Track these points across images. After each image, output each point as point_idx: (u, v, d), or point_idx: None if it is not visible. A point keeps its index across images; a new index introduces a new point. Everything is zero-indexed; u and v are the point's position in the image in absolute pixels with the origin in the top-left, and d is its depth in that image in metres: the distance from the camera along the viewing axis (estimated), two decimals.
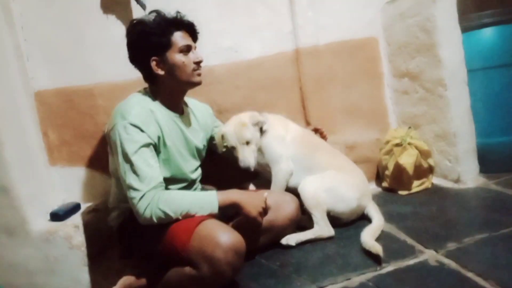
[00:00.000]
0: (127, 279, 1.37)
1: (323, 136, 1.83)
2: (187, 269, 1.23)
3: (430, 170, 1.98)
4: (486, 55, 1.90)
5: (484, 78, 1.90)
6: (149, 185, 1.26)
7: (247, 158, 1.58)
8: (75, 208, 1.57)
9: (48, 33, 1.76)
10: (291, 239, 1.53)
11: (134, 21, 1.43)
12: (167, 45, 1.39)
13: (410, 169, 1.90)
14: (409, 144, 1.94)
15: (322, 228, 1.56)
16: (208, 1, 1.95)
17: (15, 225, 1.43)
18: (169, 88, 1.44)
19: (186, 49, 1.42)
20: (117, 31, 1.82)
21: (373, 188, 2.10)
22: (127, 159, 1.26)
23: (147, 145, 1.30)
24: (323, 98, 2.11)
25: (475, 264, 1.22)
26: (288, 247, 1.52)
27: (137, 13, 1.81)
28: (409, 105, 2.14)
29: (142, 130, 1.30)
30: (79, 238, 1.42)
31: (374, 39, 2.23)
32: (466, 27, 1.88)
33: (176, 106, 1.49)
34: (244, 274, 1.32)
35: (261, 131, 1.67)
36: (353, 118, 2.19)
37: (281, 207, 1.53)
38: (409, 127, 2.03)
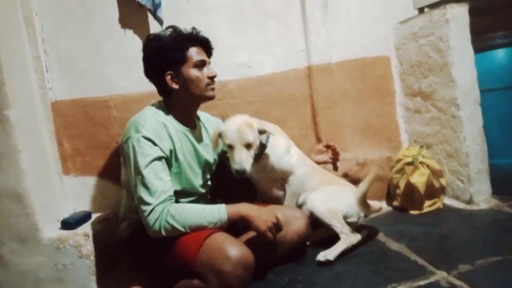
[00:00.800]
0: None
1: (335, 153, 1.82)
2: (196, 282, 1.24)
3: (442, 190, 1.95)
4: (499, 76, 1.89)
5: (497, 98, 1.89)
6: (159, 198, 1.27)
7: (244, 161, 1.45)
8: (86, 217, 1.59)
9: (67, 45, 1.81)
10: (329, 254, 1.49)
11: (151, 36, 1.47)
12: (182, 60, 1.42)
13: (421, 188, 1.88)
14: (421, 163, 1.93)
15: (349, 236, 1.55)
16: (222, 17, 2.00)
17: (27, 233, 1.45)
18: (183, 102, 1.47)
19: (201, 64, 1.45)
20: (133, 45, 1.87)
21: (384, 207, 2.08)
22: (139, 172, 1.28)
23: (159, 159, 1.32)
24: (335, 115, 2.12)
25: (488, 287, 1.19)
26: (325, 263, 1.47)
27: (154, 28, 1.85)
28: (421, 124, 2.13)
29: (155, 144, 1.32)
30: (89, 247, 1.43)
31: (386, 58, 2.24)
32: (479, 47, 1.88)
33: (189, 120, 1.51)
34: (251, 282, 1.30)
35: (261, 144, 1.57)
36: (364, 135, 2.19)
37: (291, 222, 1.52)
38: (421, 146, 2.02)
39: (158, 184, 1.28)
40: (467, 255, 1.41)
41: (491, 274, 1.27)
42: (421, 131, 2.14)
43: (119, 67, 1.86)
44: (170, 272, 1.32)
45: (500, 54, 1.90)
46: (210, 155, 1.59)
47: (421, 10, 2.09)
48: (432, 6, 1.98)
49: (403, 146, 2.23)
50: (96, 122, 1.83)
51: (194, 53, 1.44)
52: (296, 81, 2.10)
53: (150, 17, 1.85)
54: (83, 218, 1.57)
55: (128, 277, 1.53)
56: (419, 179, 1.89)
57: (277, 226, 1.37)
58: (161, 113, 1.43)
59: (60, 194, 1.68)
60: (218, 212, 1.32)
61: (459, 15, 1.83)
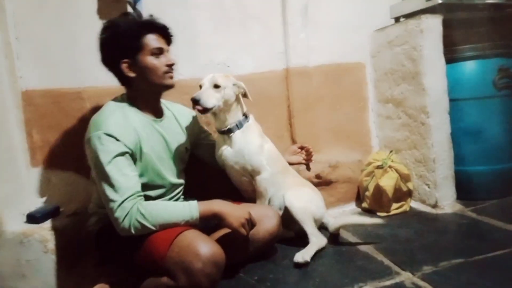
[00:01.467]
0: (101, 287, 1.34)
1: (309, 154, 1.86)
2: (164, 279, 1.22)
3: (409, 193, 2.03)
4: (468, 87, 1.98)
5: (465, 108, 1.98)
6: (125, 195, 1.24)
7: (205, 95, 1.48)
8: (54, 211, 1.54)
9: (41, 33, 1.75)
10: (306, 255, 1.50)
11: (106, 23, 1.43)
12: (138, 47, 1.38)
13: (390, 191, 1.94)
14: (390, 167, 1.99)
15: (319, 238, 1.59)
16: (204, 15, 1.99)
17: None
18: (143, 91, 1.44)
19: (158, 52, 1.41)
20: None
21: (353, 208, 2.14)
22: (102, 170, 1.25)
23: (122, 154, 1.29)
24: (310, 118, 2.15)
25: None
26: (303, 264, 1.48)
27: None
28: (392, 130, 2.20)
29: (117, 139, 1.28)
30: (55, 242, 1.39)
31: (361, 64, 2.30)
32: (450, 58, 1.96)
33: (153, 110, 1.49)
34: (221, 287, 1.31)
35: (237, 99, 1.63)
36: (337, 138, 2.24)
37: (262, 221, 1.53)
38: (391, 151, 2.09)
39: (122, 180, 1.25)
40: (431, 257, 1.46)
41: (454, 275, 1.32)
42: (391, 137, 2.21)
43: (95, 59, 1.79)
44: (138, 269, 1.30)
45: (469, 65, 1.98)
46: (181, 144, 1.58)
47: (397, 20, 2.16)
48: (408, 16, 2.05)
49: (374, 150, 2.30)
50: (68, 114, 1.77)
51: (151, 40, 1.40)
52: (274, 83, 2.12)
53: (130, 10, 1.82)
54: (50, 212, 1.52)
55: (96, 273, 1.49)
56: (387, 182, 1.95)
57: (250, 223, 1.38)
58: (123, 105, 1.41)
59: (27, 187, 1.62)
60: (190, 209, 1.30)
61: (433, 26, 1.90)
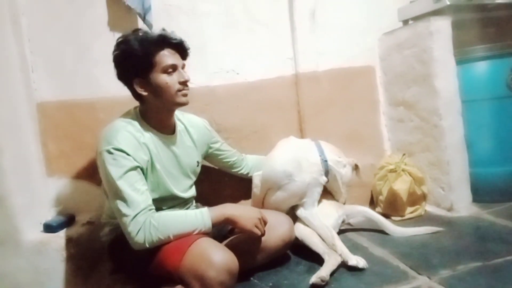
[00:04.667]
0: None
1: None
2: (179, 287, 1.22)
3: (424, 197, 2.00)
4: (480, 87, 1.95)
5: (478, 109, 1.95)
6: (137, 209, 1.24)
7: None
8: (69, 220, 1.56)
9: (54, 46, 1.79)
10: (322, 273, 1.39)
11: (120, 39, 1.40)
12: (150, 65, 1.35)
13: (404, 195, 1.92)
14: (403, 170, 1.97)
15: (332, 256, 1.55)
16: (212, 22, 2.01)
17: (6, 235, 1.41)
18: (155, 108, 1.42)
19: (171, 69, 1.38)
20: None
21: None
22: (114, 185, 1.25)
23: (133, 169, 1.29)
24: (321, 122, 2.15)
25: None
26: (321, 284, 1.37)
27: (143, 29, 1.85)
28: (404, 133, 2.18)
29: (127, 154, 1.28)
30: (71, 251, 1.40)
31: (371, 68, 2.29)
32: (461, 59, 1.94)
33: (165, 125, 1.48)
34: None
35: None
36: (349, 143, 2.22)
37: (275, 227, 1.52)
38: (404, 154, 2.07)
39: (134, 194, 1.25)
40: (448, 260, 1.44)
41: (472, 279, 1.29)
42: (404, 140, 2.19)
43: (107, 70, 1.81)
44: (152, 278, 1.31)
45: (481, 66, 1.96)
46: (192, 159, 1.58)
47: (405, 22, 2.16)
48: (416, 19, 2.04)
49: (386, 154, 2.28)
50: (82, 124, 1.80)
51: (164, 57, 1.36)
52: (283, 88, 2.13)
53: (140, 21, 1.85)
54: (66, 221, 1.54)
55: (111, 282, 1.50)
56: (401, 186, 1.93)
57: (262, 221, 1.38)
58: (134, 122, 1.38)
59: (43, 196, 1.65)
60: (202, 217, 1.30)
61: (442, 28, 1.89)
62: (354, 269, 1.42)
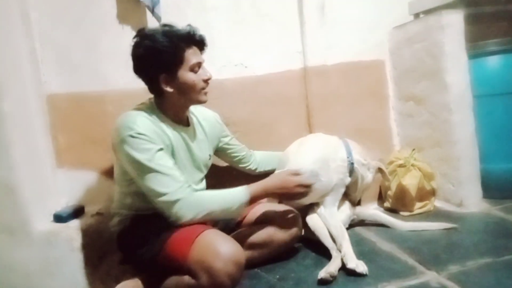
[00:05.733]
0: (125, 285, 1.36)
1: None
2: (186, 278, 1.23)
3: (433, 192, 1.98)
4: (491, 82, 1.92)
5: (489, 104, 1.92)
6: (175, 186, 1.26)
7: None
8: (79, 211, 1.58)
9: (63, 39, 1.80)
10: (330, 268, 1.38)
11: (143, 34, 1.37)
12: (179, 63, 1.35)
13: (413, 190, 1.90)
14: (412, 165, 1.95)
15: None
16: (221, 16, 2.00)
17: (17, 225, 1.43)
18: (174, 103, 1.43)
19: (198, 67, 1.39)
20: (130, 41, 1.86)
21: (375, 207, 2.11)
22: (146, 169, 1.26)
23: (160, 149, 1.30)
24: (329, 117, 2.14)
25: None
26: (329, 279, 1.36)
27: (152, 24, 1.85)
28: (414, 128, 2.16)
29: (151, 137, 1.29)
30: (81, 241, 1.42)
31: (381, 62, 2.27)
32: (473, 54, 1.91)
33: (181, 118, 1.48)
34: (243, 285, 1.31)
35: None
36: (357, 138, 2.19)
37: (283, 222, 1.54)
38: (413, 149, 2.05)
39: (170, 173, 1.27)
40: (458, 256, 1.43)
41: (482, 275, 1.28)
42: (413, 135, 2.17)
43: (116, 63, 1.85)
44: (161, 268, 1.32)
45: (493, 60, 1.93)
46: (205, 152, 1.58)
47: (416, 16, 2.13)
48: (427, 12, 2.01)
49: (395, 149, 2.26)
50: (91, 117, 1.81)
51: (191, 54, 1.36)
52: (291, 82, 2.11)
53: (149, 14, 1.85)
54: (75, 212, 1.56)
55: (120, 272, 1.52)
56: (410, 181, 1.92)
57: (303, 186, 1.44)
58: (151, 112, 1.38)
59: (53, 187, 1.66)
60: (240, 192, 1.35)
61: (455, 21, 1.86)
62: (352, 273, 1.37)
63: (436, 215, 1.89)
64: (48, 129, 1.74)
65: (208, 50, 1.95)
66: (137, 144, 1.27)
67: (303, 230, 1.65)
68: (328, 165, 1.64)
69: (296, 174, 1.46)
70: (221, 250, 1.19)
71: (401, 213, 1.95)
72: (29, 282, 1.41)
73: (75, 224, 1.46)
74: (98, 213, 1.60)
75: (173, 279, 1.28)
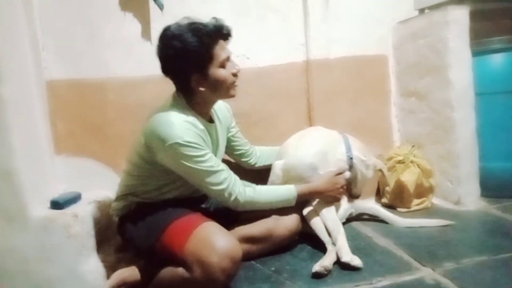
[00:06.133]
0: (121, 273, 1.37)
1: None
2: (180, 270, 1.23)
3: (431, 189, 1.98)
4: (494, 80, 1.91)
5: (491, 102, 1.91)
6: (228, 179, 1.35)
7: None
8: (76, 197, 1.57)
9: (65, 25, 1.79)
10: (325, 262, 1.39)
11: (170, 34, 1.31)
12: (209, 61, 1.32)
13: (411, 187, 1.90)
14: (411, 162, 1.95)
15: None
16: (224, 6, 1.98)
17: (14, 211, 1.42)
18: (205, 100, 1.43)
19: (227, 60, 1.38)
20: (132, 29, 1.86)
21: (373, 203, 2.10)
22: (197, 172, 1.31)
23: (207, 153, 1.34)
24: (330, 111, 2.13)
25: (473, 286, 1.21)
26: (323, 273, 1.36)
27: (154, 12, 1.85)
28: (415, 124, 2.15)
29: (197, 143, 1.30)
30: (77, 228, 1.42)
31: (384, 57, 2.25)
32: (477, 51, 1.89)
33: (207, 114, 1.49)
34: (238, 277, 1.31)
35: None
36: (358, 132, 2.18)
37: (282, 217, 1.54)
38: (413, 146, 2.04)
39: (221, 168, 1.35)
40: (453, 253, 1.43)
41: (477, 273, 1.28)
42: (414, 131, 2.16)
43: (117, 51, 1.84)
44: (157, 257, 1.32)
45: (497, 58, 1.91)
46: (224, 144, 1.61)
47: (421, 11, 2.11)
48: (433, 8, 1.99)
49: (395, 145, 2.25)
50: (91, 104, 1.81)
51: (220, 50, 1.34)
52: (293, 75, 2.10)
53: (151, 1, 1.84)
54: (73, 198, 1.55)
55: (116, 260, 1.53)
56: (409, 177, 1.91)
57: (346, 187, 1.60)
58: (187, 112, 1.36)
59: (51, 174, 1.66)
60: (289, 189, 1.47)
61: (460, 17, 1.84)
62: (347, 267, 1.38)
63: (433, 212, 1.89)
64: (48, 115, 1.74)
65: None
66: (187, 151, 1.28)
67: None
68: (327, 159, 1.64)
69: (340, 174, 1.56)
70: (217, 244, 1.19)
71: (399, 209, 1.95)
72: (25, 268, 1.41)
73: (72, 211, 1.45)
74: (95, 201, 1.60)
75: (168, 270, 1.28)
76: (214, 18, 1.36)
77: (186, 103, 1.40)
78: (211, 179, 1.33)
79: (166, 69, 1.37)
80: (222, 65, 1.36)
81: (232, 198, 1.36)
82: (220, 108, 1.63)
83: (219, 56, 1.34)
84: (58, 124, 1.77)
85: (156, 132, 1.30)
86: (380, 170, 1.78)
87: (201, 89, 1.36)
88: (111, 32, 1.83)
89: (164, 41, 1.33)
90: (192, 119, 1.35)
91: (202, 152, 1.31)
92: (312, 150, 1.64)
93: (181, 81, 1.37)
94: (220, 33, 1.35)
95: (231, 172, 1.40)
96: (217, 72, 1.35)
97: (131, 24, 1.86)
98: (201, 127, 1.37)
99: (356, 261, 1.37)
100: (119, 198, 1.48)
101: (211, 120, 1.50)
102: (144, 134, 1.35)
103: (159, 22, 1.86)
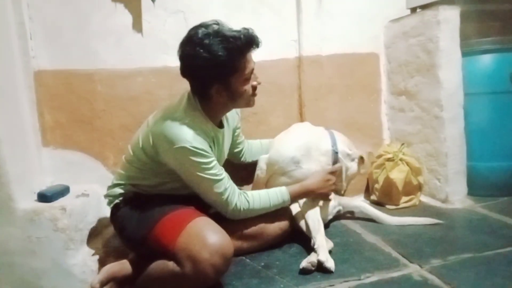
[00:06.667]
0: (111, 268, 1.34)
1: None
2: (171, 264, 1.22)
3: (419, 187, 2.00)
4: (483, 81, 1.94)
5: (479, 102, 1.94)
6: (228, 189, 1.37)
7: None
8: (64, 191, 1.55)
9: (54, 14, 1.74)
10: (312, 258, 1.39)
11: (198, 42, 1.28)
12: (233, 72, 1.32)
13: (399, 184, 1.92)
14: (400, 160, 1.97)
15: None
16: (217, 1, 1.97)
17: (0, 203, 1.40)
18: (220, 107, 1.43)
19: (251, 74, 1.38)
20: (123, 20, 1.83)
21: (362, 200, 2.12)
22: (200, 179, 1.33)
23: (213, 160, 1.35)
24: (321, 108, 2.13)
25: (458, 282, 1.22)
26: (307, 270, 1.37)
27: (146, 3, 1.82)
28: (404, 123, 2.17)
29: (205, 150, 1.31)
30: (65, 221, 1.40)
31: (375, 55, 2.26)
32: (467, 51, 1.92)
33: (219, 119, 1.49)
34: (227, 273, 1.31)
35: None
36: (348, 130, 2.20)
37: (274, 215, 1.53)
38: (402, 144, 2.06)
39: (220, 177, 1.35)
40: (440, 251, 1.45)
41: (463, 270, 1.30)
42: (403, 129, 2.18)
43: (107, 41, 1.81)
44: (147, 249, 1.30)
45: (486, 59, 1.94)
46: (228, 146, 1.61)
47: (413, 10, 2.12)
48: (424, 7, 2.00)
49: (385, 143, 2.27)
50: (80, 96, 1.78)
51: (246, 63, 1.34)
52: (285, 71, 2.10)
53: None
54: (60, 191, 1.53)
55: (104, 254, 1.51)
56: (398, 175, 1.93)
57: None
58: (199, 116, 1.37)
59: (37, 166, 1.63)
60: (281, 192, 1.47)
61: (451, 17, 1.86)
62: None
63: (421, 209, 1.92)
64: (35, 106, 1.70)
65: None
66: (194, 157, 1.29)
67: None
68: (310, 153, 1.64)
69: (333, 172, 1.57)
70: (209, 241, 1.18)
71: (387, 206, 1.97)
72: (10, 260, 1.39)
73: (59, 204, 1.43)
74: (83, 194, 1.58)
75: (158, 264, 1.26)
76: (245, 29, 1.34)
77: (201, 107, 1.40)
78: (212, 187, 1.34)
79: (186, 73, 1.36)
80: (246, 78, 1.37)
81: (231, 208, 1.38)
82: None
83: (244, 69, 1.35)
84: (46, 116, 1.73)
85: (166, 133, 1.30)
86: (361, 157, 1.80)
87: (219, 98, 1.36)
88: (101, 22, 1.80)
89: (191, 47, 1.30)
90: (203, 125, 1.36)
91: (208, 160, 1.32)
92: (294, 144, 1.65)
93: (200, 86, 1.37)
94: (250, 46, 1.34)
95: (231, 181, 1.40)
96: (239, 84, 1.36)
97: (122, 15, 1.83)
98: (211, 133, 1.39)
99: (330, 263, 1.34)
100: (116, 185, 1.46)
101: (220, 125, 1.50)
102: (152, 132, 1.34)
103: (150, 14, 1.85)
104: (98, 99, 1.79)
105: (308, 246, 1.52)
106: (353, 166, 1.77)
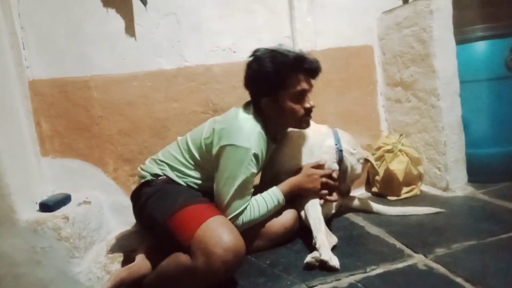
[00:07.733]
0: (119, 273, 1.34)
1: None
2: (183, 257, 1.22)
3: (420, 177, 2.01)
4: (479, 68, 1.94)
5: (476, 89, 1.95)
6: (243, 207, 1.39)
7: None
8: (66, 199, 1.55)
9: (46, 22, 1.73)
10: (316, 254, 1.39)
11: (255, 56, 1.45)
12: (280, 88, 1.41)
13: (400, 175, 1.93)
14: (400, 151, 1.97)
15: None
16: (208, 1, 1.96)
17: (2, 215, 1.39)
18: (272, 123, 1.49)
19: (300, 95, 1.44)
20: (116, 25, 1.82)
21: (363, 193, 2.13)
22: (233, 181, 1.35)
23: (254, 175, 1.40)
24: (318, 102, 2.07)
25: (464, 270, 1.23)
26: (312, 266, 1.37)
27: (137, 7, 1.81)
28: (401, 114, 2.17)
29: (258, 162, 1.38)
30: (68, 230, 1.40)
31: (369, 47, 2.26)
32: (461, 39, 1.92)
33: (275, 137, 1.55)
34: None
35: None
36: (346, 123, 2.21)
37: (278, 214, 1.54)
38: (401, 135, 2.06)
39: (246, 194, 1.39)
40: (444, 239, 1.45)
41: (467, 257, 1.31)
42: (401, 120, 2.18)
43: (101, 47, 1.80)
44: (164, 235, 1.32)
45: (480, 46, 1.94)
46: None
47: (405, 1, 2.12)
48: None
49: (383, 134, 2.28)
50: (76, 103, 1.77)
51: (295, 82, 1.42)
52: None
53: None
54: (62, 200, 1.53)
55: (108, 261, 1.51)
56: (398, 166, 1.94)
57: (331, 178, 1.55)
58: (262, 127, 1.42)
59: (37, 176, 1.63)
60: (274, 194, 1.47)
61: (443, 6, 1.86)
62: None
63: (422, 199, 1.92)
64: (31, 115, 1.69)
65: (195, 34, 1.93)
66: (247, 159, 1.34)
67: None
68: (312, 152, 1.64)
69: (317, 166, 1.55)
70: (224, 238, 1.19)
71: (389, 197, 1.97)
72: (15, 272, 1.39)
73: (62, 213, 1.43)
74: (85, 202, 1.58)
75: (170, 258, 1.26)
76: (301, 50, 1.48)
77: (261, 119, 1.46)
78: (235, 197, 1.37)
79: (246, 85, 1.50)
80: (294, 96, 1.43)
81: (237, 222, 1.40)
82: None
83: (291, 86, 1.41)
84: (43, 125, 1.73)
85: (231, 126, 1.38)
86: (368, 160, 1.79)
87: (270, 111, 1.44)
88: (94, 28, 1.79)
89: (250, 61, 1.46)
90: (265, 135, 1.43)
91: (252, 171, 1.37)
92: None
93: (254, 98, 1.49)
94: (300, 66, 1.42)
95: (250, 201, 1.43)
96: (286, 101, 1.43)
97: (114, 20, 1.82)
98: (266, 144, 1.45)
99: (333, 261, 1.33)
100: (156, 161, 1.52)
101: (274, 140, 1.55)
102: (222, 123, 1.42)
103: (142, 18, 1.84)
104: (95, 105, 1.79)
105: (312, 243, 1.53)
106: (357, 167, 1.75)
